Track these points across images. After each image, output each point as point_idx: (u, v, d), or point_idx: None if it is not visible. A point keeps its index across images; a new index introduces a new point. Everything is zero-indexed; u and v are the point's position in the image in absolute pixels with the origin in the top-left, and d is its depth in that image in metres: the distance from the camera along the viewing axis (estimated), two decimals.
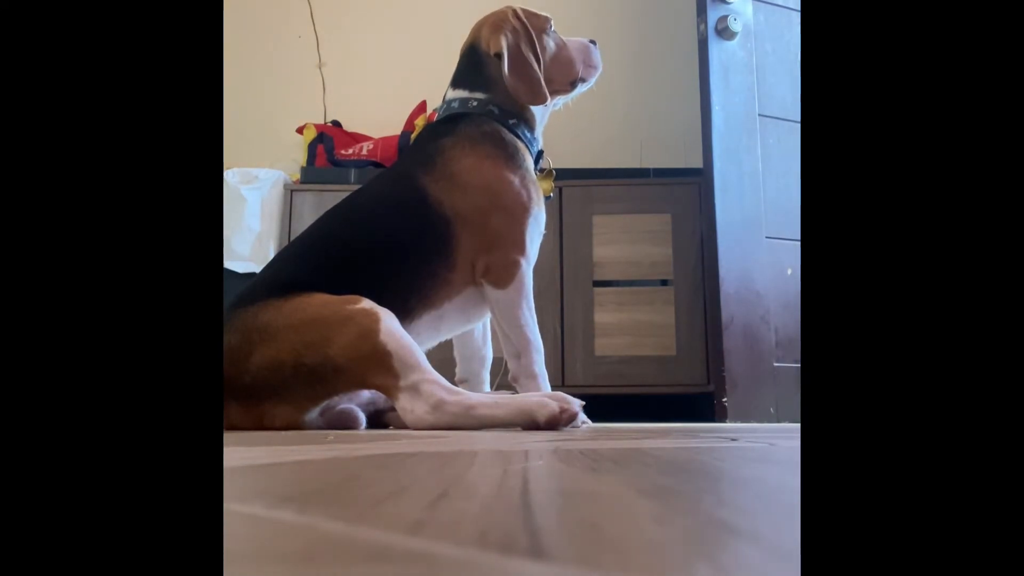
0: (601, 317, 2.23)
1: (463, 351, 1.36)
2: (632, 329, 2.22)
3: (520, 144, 1.27)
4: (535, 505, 0.27)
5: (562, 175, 2.38)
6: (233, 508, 0.25)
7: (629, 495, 0.30)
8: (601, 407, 2.22)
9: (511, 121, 1.27)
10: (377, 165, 2.52)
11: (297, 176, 2.49)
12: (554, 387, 1.22)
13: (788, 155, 2.18)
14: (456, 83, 1.33)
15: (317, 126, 2.66)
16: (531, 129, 1.31)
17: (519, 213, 1.21)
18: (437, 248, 1.17)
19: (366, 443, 0.67)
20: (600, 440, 0.72)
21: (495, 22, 1.32)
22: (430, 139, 1.26)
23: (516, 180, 1.22)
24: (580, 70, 1.38)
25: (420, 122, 2.60)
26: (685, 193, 2.28)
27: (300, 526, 0.23)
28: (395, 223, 1.17)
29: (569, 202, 2.30)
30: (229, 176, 2.36)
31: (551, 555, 0.18)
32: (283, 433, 0.93)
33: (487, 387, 1.35)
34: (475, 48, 1.33)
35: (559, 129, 2.66)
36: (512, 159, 1.23)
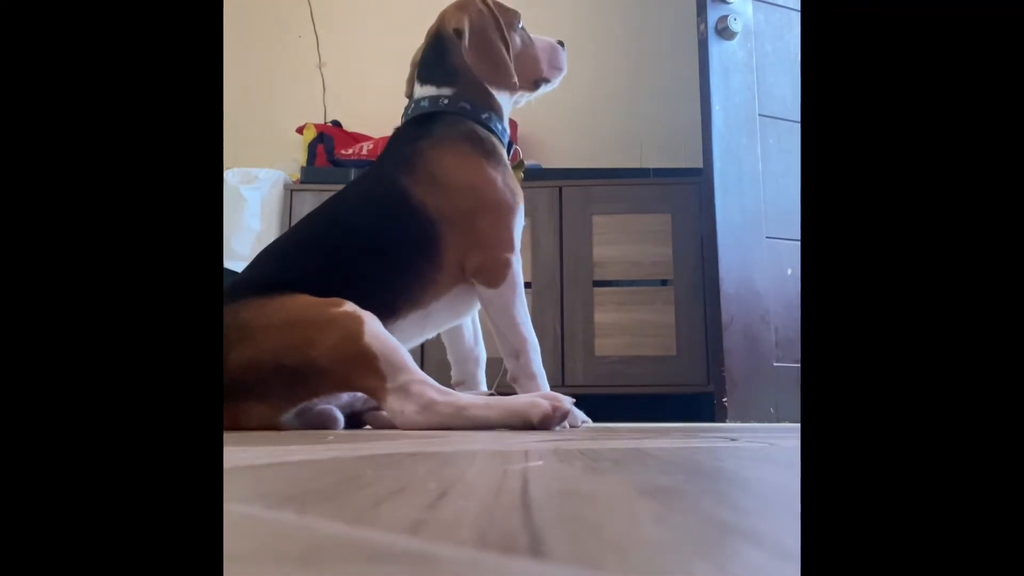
0: (601, 317, 2.23)
1: (456, 355, 1.35)
2: (632, 329, 2.22)
3: (495, 139, 1.26)
4: (535, 505, 0.27)
5: (562, 175, 2.39)
6: (233, 508, 0.25)
7: (629, 495, 0.30)
8: (601, 407, 2.22)
9: (484, 116, 1.26)
10: None
11: (297, 176, 2.49)
12: (554, 387, 1.21)
13: (788, 155, 2.18)
14: (423, 78, 1.30)
15: (317, 126, 2.66)
16: (501, 120, 1.30)
17: (505, 212, 1.20)
18: (423, 249, 1.16)
19: (366, 443, 0.67)
20: (600, 440, 0.72)
21: (459, 3, 1.30)
22: (406, 141, 1.25)
23: (499, 178, 1.21)
24: (544, 70, 1.37)
25: None
26: (685, 193, 2.28)
27: (300, 526, 0.23)
28: (379, 224, 1.16)
29: (569, 202, 2.30)
30: (229, 176, 2.36)
31: (551, 555, 0.18)
32: (283, 433, 0.93)
33: (483, 387, 1.34)
34: (439, 35, 1.30)
35: (559, 129, 2.65)
36: (491, 156, 1.23)
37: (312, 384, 1.00)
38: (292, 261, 1.14)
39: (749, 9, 2.21)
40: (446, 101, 1.26)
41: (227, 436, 0.81)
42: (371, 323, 1.00)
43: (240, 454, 0.53)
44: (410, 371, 0.98)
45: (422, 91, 1.29)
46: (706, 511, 0.26)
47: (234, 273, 2.26)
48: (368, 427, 1.14)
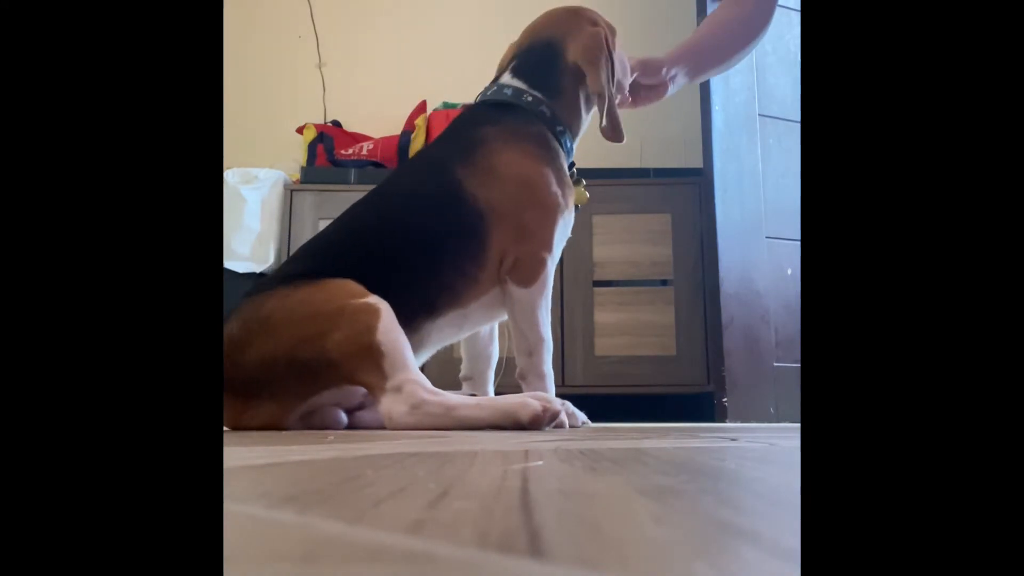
0: (601, 317, 2.23)
1: (470, 350, 1.34)
2: (632, 329, 2.22)
3: (561, 152, 1.25)
4: (535, 505, 0.27)
5: None
6: (233, 508, 0.25)
7: (629, 495, 0.30)
8: (601, 407, 2.22)
9: (559, 128, 1.24)
10: (377, 165, 2.52)
11: (297, 176, 2.49)
12: (554, 387, 1.21)
13: (788, 155, 2.18)
14: (517, 72, 1.26)
15: (317, 126, 2.66)
16: (573, 140, 1.29)
17: (552, 210, 1.19)
18: (468, 245, 1.14)
19: (366, 443, 0.67)
20: (600, 440, 0.72)
21: (591, 47, 1.24)
22: (472, 124, 1.22)
23: (554, 178, 1.20)
24: (626, 90, 1.36)
25: (420, 122, 2.60)
26: (685, 193, 2.28)
27: (300, 526, 0.23)
28: (426, 217, 1.14)
29: None
30: (229, 176, 2.36)
31: (551, 555, 0.18)
32: (283, 433, 0.93)
33: (491, 386, 1.33)
34: (554, 49, 1.26)
35: None
36: (554, 161, 1.21)
37: (322, 377, 0.99)
38: (333, 253, 1.12)
39: None
40: (530, 99, 1.23)
41: (227, 436, 0.81)
42: (386, 317, 0.98)
43: (240, 454, 0.53)
44: (408, 369, 0.97)
45: (511, 80, 1.26)
46: (706, 511, 0.26)
47: (234, 273, 2.26)
48: (354, 427, 1.12)
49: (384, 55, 2.85)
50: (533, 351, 1.19)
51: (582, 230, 2.28)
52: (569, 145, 1.28)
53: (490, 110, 1.24)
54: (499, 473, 0.38)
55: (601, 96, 1.24)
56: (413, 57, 2.81)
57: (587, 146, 2.67)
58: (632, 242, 2.27)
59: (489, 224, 1.15)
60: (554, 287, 2.25)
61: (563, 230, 1.22)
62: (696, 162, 2.25)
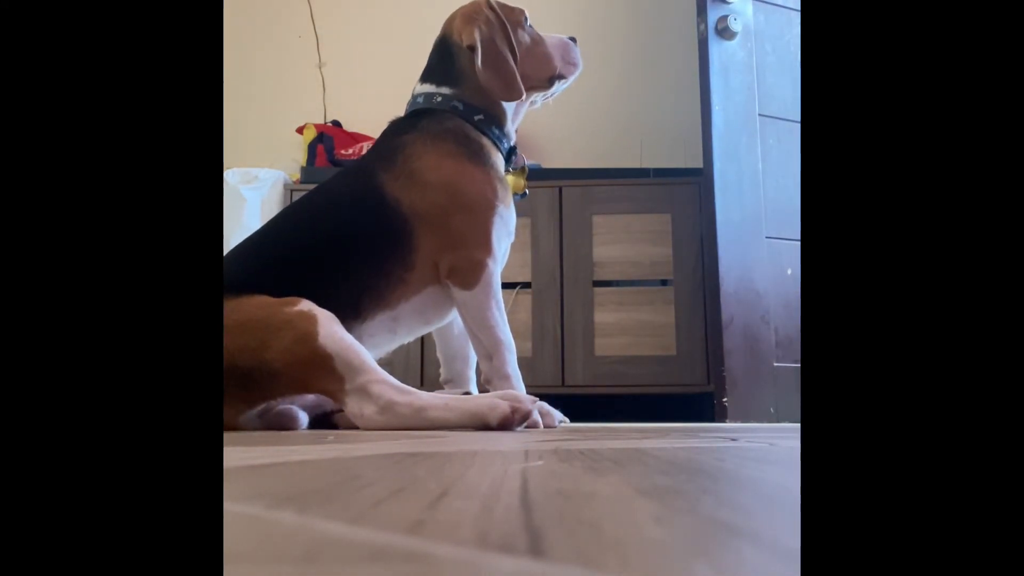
0: (601, 317, 2.23)
1: (445, 352, 1.33)
2: (632, 329, 2.22)
3: (486, 141, 1.24)
4: (535, 505, 0.27)
5: (562, 175, 2.39)
6: (233, 508, 0.25)
7: (629, 495, 0.30)
8: (601, 407, 2.22)
9: (477, 117, 1.24)
10: None
11: (297, 176, 2.49)
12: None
13: (788, 155, 2.18)
14: (424, 77, 1.30)
15: (317, 126, 2.66)
16: (500, 126, 1.27)
17: (482, 211, 1.18)
18: (393, 247, 1.14)
19: (366, 443, 0.67)
20: (600, 440, 0.72)
21: (468, 13, 1.28)
22: (392, 135, 1.24)
23: (479, 177, 1.19)
24: (559, 66, 1.34)
25: None
26: (685, 193, 2.28)
27: (300, 526, 0.23)
28: (348, 221, 1.15)
29: (569, 202, 2.30)
30: (229, 176, 2.36)
31: (551, 555, 0.18)
32: (283, 433, 0.93)
33: (473, 385, 1.33)
34: (446, 40, 1.29)
35: (559, 129, 2.65)
36: (476, 156, 1.21)
37: (268, 387, 0.98)
38: (255, 261, 1.12)
39: (749, 9, 2.20)
40: (439, 99, 1.25)
41: (227, 436, 0.81)
42: (326, 323, 0.98)
43: (240, 454, 0.53)
44: (369, 371, 0.97)
45: (420, 88, 1.29)
46: (706, 511, 0.26)
47: None
48: (338, 428, 1.12)
49: (384, 55, 2.85)
50: (493, 354, 1.18)
51: (582, 230, 2.28)
52: (497, 132, 1.26)
53: (409, 119, 1.26)
54: (499, 473, 0.38)
55: (472, 48, 1.24)
56: (413, 57, 2.80)
57: (587, 146, 2.68)
58: (632, 242, 2.27)
59: (414, 227, 1.15)
60: (554, 287, 2.26)
61: (501, 228, 1.21)
62: (696, 162, 2.24)
